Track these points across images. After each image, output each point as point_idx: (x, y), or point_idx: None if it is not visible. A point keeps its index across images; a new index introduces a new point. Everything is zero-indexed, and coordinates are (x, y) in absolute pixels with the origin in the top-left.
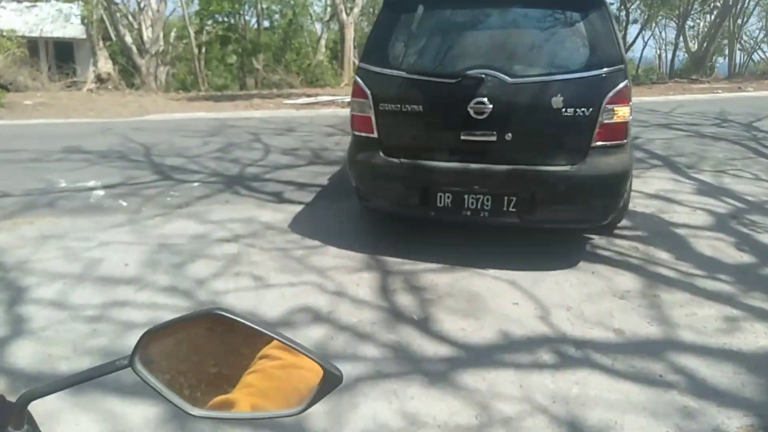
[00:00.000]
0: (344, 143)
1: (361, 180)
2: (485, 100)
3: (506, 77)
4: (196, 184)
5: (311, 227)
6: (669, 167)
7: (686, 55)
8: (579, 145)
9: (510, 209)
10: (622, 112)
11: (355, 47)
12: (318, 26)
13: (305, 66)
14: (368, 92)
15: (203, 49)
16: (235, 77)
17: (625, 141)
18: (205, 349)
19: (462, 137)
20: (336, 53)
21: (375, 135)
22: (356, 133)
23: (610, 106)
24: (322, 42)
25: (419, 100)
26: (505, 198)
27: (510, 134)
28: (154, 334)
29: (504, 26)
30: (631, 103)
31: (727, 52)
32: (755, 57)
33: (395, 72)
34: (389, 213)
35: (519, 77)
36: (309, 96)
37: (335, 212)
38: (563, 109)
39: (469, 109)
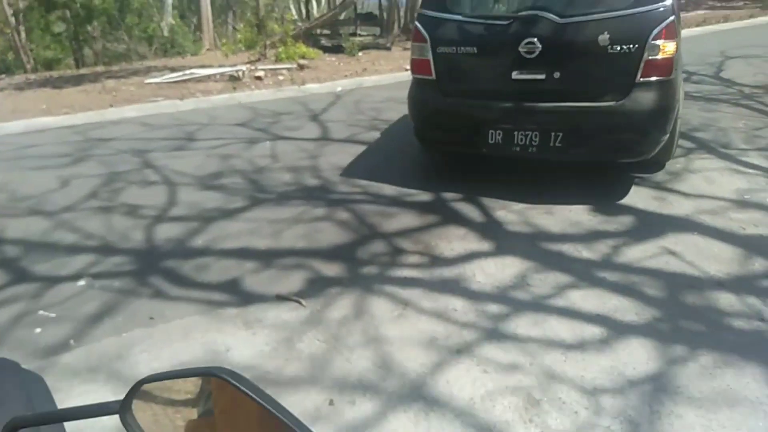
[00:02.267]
0: (283, 154)
1: (420, 119)
2: (535, 40)
3: (555, 17)
4: (81, 282)
5: (326, 374)
6: (706, 149)
7: None
8: (624, 81)
9: (557, 144)
10: (668, 48)
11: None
12: None
13: (151, 30)
14: (427, 36)
15: (21, 18)
16: (68, 49)
17: (671, 77)
18: (200, 409)
19: (513, 77)
20: (183, 13)
21: (433, 77)
22: (415, 75)
23: (655, 42)
24: (168, 1)
25: (474, 42)
26: (552, 134)
27: (558, 73)
28: (150, 384)
29: None
30: (678, 38)
31: None
32: None
33: (452, 16)
34: (445, 150)
35: (567, 17)
36: (175, 70)
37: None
38: (610, 47)
39: (520, 49)
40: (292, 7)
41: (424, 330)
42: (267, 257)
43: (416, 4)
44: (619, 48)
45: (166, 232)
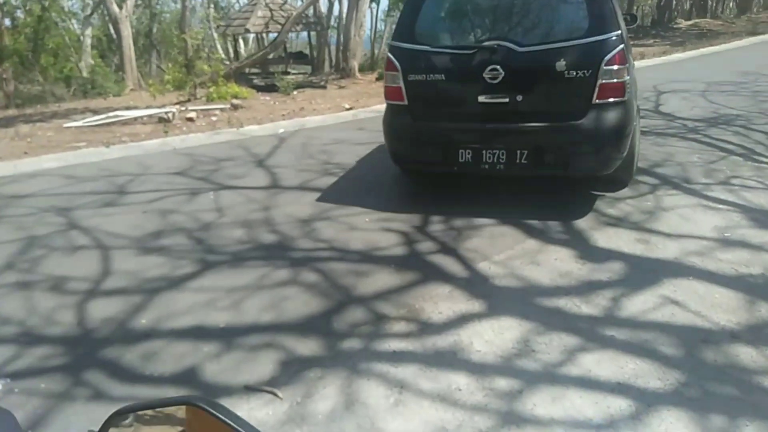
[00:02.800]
0: (231, 206)
1: (395, 142)
2: (498, 67)
3: (516, 47)
4: None
5: None
6: (671, 185)
7: None
8: (581, 103)
9: (522, 161)
10: (620, 73)
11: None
12: (75, 23)
13: (68, 70)
14: (398, 66)
15: None
16: None
17: (625, 98)
18: None
19: (479, 100)
20: (103, 53)
21: (405, 102)
22: (389, 101)
23: (608, 68)
24: (87, 41)
25: (441, 70)
26: (518, 152)
27: (520, 96)
28: (125, 414)
29: (514, 3)
30: (629, 64)
31: None
32: None
33: (421, 47)
34: (419, 170)
35: (527, 46)
36: (97, 112)
37: None
38: (566, 72)
39: (484, 75)
40: (218, 46)
41: (429, 420)
42: (228, 336)
43: (349, 44)
44: (575, 73)
45: (101, 310)
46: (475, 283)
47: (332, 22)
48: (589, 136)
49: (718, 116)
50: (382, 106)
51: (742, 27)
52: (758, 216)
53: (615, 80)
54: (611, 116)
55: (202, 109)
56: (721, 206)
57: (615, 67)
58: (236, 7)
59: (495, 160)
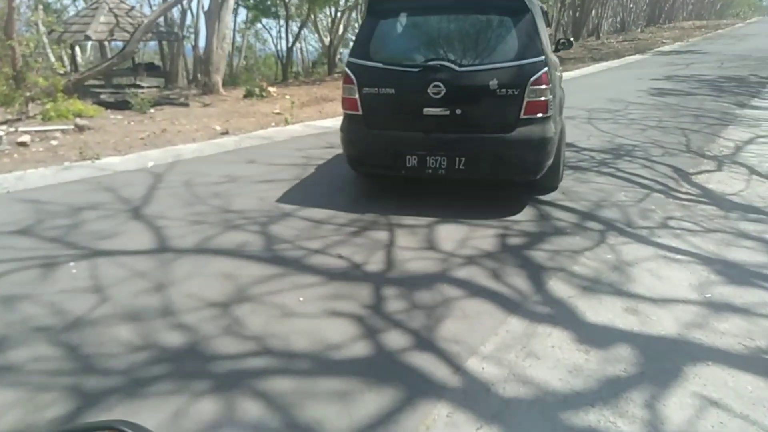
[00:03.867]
0: (110, 286)
1: (351, 148)
2: (440, 83)
3: (455, 66)
4: None
5: None
6: (617, 231)
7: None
8: (511, 117)
9: (460, 167)
10: (543, 93)
11: None
12: None
13: None
14: (354, 79)
15: None
16: None
17: (549, 114)
18: None
19: (424, 112)
20: None
21: (360, 112)
22: (346, 111)
23: (533, 87)
24: None
25: (392, 85)
26: (457, 158)
27: (459, 109)
28: None
29: (455, 29)
30: (552, 85)
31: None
32: None
33: (374, 63)
34: (371, 174)
35: (465, 66)
36: None
37: None
38: (498, 90)
39: (428, 90)
40: (50, 54)
41: None
42: None
43: (211, 57)
44: (505, 91)
45: None
46: (476, 396)
47: (185, 32)
48: (518, 146)
49: (617, 147)
50: (265, 131)
51: (586, 53)
52: (720, 268)
53: (540, 98)
54: (536, 130)
55: (38, 131)
56: (679, 257)
57: (540, 87)
58: (71, 11)
59: (437, 166)
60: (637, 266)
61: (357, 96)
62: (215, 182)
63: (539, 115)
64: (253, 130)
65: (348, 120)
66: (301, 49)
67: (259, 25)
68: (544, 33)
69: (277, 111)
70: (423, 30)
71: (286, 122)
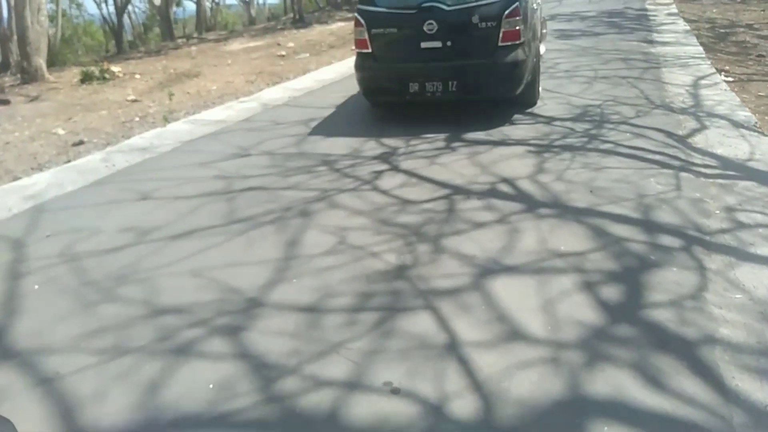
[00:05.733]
0: None
1: (364, 81)
2: (433, 21)
3: (445, 6)
4: None
5: None
6: (699, 242)
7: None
8: (491, 45)
9: (453, 89)
10: (516, 23)
11: None
12: None
13: None
14: (364, 23)
15: None
16: None
17: (521, 41)
18: None
19: (421, 46)
20: None
21: (370, 50)
22: (358, 50)
23: (507, 20)
24: None
25: (394, 25)
26: (449, 82)
27: (450, 42)
28: None
29: None
30: (521, 17)
31: None
32: None
33: (378, 9)
34: (381, 102)
35: (452, 6)
36: None
37: None
38: (479, 24)
39: (424, 27)
40: None
41: None
42: None
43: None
44: (485, 24)
45: None
46: None
47: None
48: (498, 68)
49: (584, 111)
50: (140, 137)
51: None
52: None
53: (514, 28)
54: (512, 54)
55: None
56: None
57: (513, 18)
58: None
59: (434, 90)
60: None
61: (367, 36)
62: (121, 268)
63: (514, 42)
64: (113, 131)
65: (361, 58)
66: (128, 11)
67: None
68: None
69: (132, 98)
70: None
71: (165, 120)
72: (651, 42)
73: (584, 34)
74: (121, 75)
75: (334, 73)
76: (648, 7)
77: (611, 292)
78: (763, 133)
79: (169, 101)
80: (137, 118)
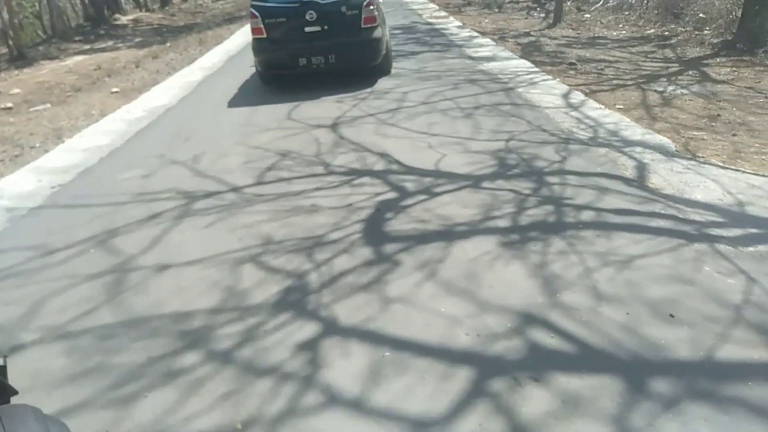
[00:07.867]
0: None
1: (261, 61)
2: (313, 12)
3: (320, 1)
4: None
5: None
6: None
7: None
8: (356, 28)
9: (331, 61)
10: (372, 11)
11: None
12: None
13: None
14: (258, 15)
15: None
16: None
17: (376, 24)
18: None
19: (305, 30)
20: None
21: (265, 36)
22: (255, 36)
23: (366, 8)
24: None
25: (283, 15)
26: (329, 56)
27: (326, 26)
28: None
29: None
30: (374, 7)
31: None
32: None
33: (269, 3)
34: (276, 75)
35: (326, 0)
36: None
37: None
38: (347, 12)
39: (306, 16)
40: None
41: None
42: None
43: None
44: (351, 12)
45: None
46: None
47: None
48: (362, 44)
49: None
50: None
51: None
52: None
53: (371, 14)
54: (371, 33)
55: None
56: None
57: (370, 7)
58: None
59: (318, 63)
60: None
61: (262, 25)
62: None
63: (371, 25)
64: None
65: (258, 42)
66: None
67: None
68: None
69: None
70: None
71: None
72: (473, 58)
73: (400, 54)
74: None
75: (106, 132)
76: (431, 21)
77: None
78: (695, 157)
79: None
80: None
